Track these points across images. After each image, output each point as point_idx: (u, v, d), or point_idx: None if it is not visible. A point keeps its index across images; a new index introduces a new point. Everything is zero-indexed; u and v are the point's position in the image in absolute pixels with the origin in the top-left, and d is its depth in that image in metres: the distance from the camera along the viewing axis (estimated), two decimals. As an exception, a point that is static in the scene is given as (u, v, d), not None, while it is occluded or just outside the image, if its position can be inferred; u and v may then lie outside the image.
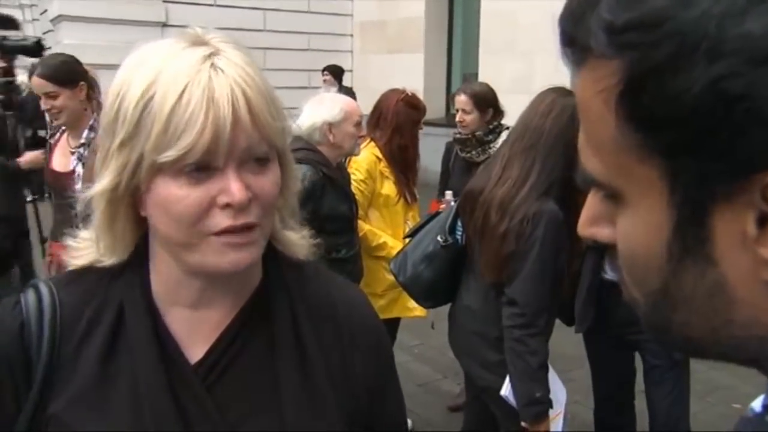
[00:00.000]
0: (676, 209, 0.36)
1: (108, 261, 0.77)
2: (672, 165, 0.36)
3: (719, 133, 0.33)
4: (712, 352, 0.41)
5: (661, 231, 0.37)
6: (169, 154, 0.66)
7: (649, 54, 0.34)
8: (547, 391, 1.91)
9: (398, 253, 2.42)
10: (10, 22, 3.92)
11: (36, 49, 3.67)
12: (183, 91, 0.66)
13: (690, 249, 0.37)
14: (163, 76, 0.67)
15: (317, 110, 2.58)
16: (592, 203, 0.44)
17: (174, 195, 0.69)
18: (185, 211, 0.69)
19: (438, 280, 2.22)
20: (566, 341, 2.50)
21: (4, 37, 3.70)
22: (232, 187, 0.68)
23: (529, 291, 1.89)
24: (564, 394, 2.15)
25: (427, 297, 2.34)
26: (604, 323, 2.35)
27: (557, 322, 2.24)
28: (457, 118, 3.34)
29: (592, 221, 0.44)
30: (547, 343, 1.96)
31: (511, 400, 1.97)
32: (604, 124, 0.38)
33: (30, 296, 0.78)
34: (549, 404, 1.92)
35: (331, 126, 2.55)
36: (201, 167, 0.68)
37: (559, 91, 1.94)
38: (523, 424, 1.94)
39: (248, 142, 0.68)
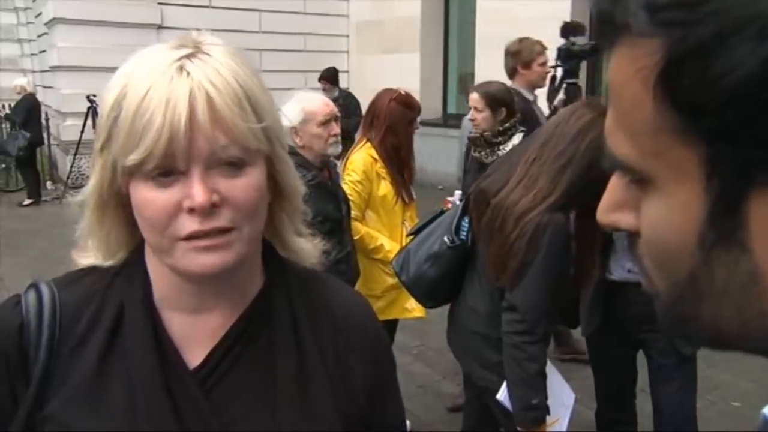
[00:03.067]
0: (712, 195, 0.34)
1: (104, 262, 0.78)
2: (711, 149, 0.34)
3: (766, 117, 0.31)
4: (740, 345, 0.39)
5: (693, 217, 0.36)
6: (133, 158, 0.67)
7: (693, 32, 0.32)
8: (545, 397, 1.90)
9: (400, 250, 2.40)
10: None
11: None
12: (145, 95, 0.66)
13: (723, 237, 0.35)
14: (132, 80, 0.68)
15: (283, 115, 2.52)
16: (614, 189, 0.42)
17: (144, 199, 0.69)
18: (154, 215, 0.69)
19: (442, 279, 2.20)
20: (566, 341, 2.49)
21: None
22: (194, 190, 0.67)
23: (530, 298, 1.88)
24: (572, 398, 2.14)
25: (430, 297, 2.32)
26: (610, 323, 2.34)
27: None
28: (470, 116, 3.33)
29: (614, 207, 0.42)
30: (545, 350, 1.95)
31: (507, 404, 1.96)
32: (640, 105, 0.36)
33: (30, 296, 0.77)
34: (546, 410, 1.90)
35: (296, 129, 2.48)
36: (166, 171, 0.68)
37: (598, 110, 1.89)
38: (519, 429, 1.94)
39: (211, 145, 0.67)
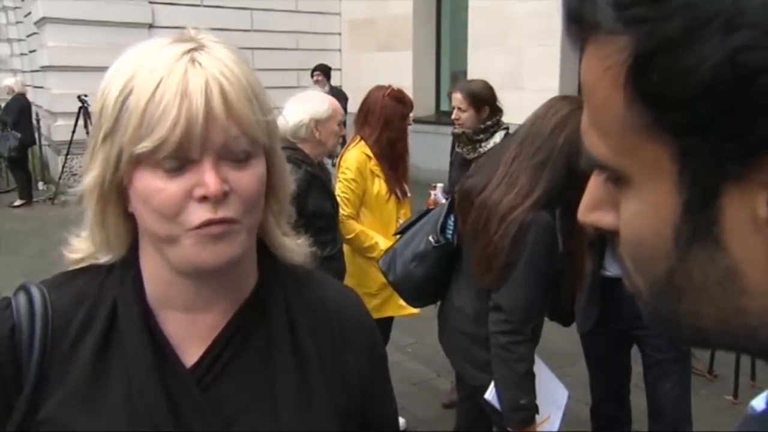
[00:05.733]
0: (685, 191, 0.34)
1: (104, 258, 0.77)
2: (682, 144, 0.34)
3: (735, 110, 0.31)
4: (721, 343, 0.39)
5: (668, 214, 0.36)
6: (144, 145, 0.67)
7: (660, 27, 0.32)
8: (533, 397, 1.89)
9: (387, 250, 2.39)
10: None
11: None
12: (158, 84, 0.66)
13: (699, 233, 0.35)
14: (141, 71, 0.68)
15: (304, 107, 2.55)
16: (594, 188, 0.42)
17: (152, 187, 0.69)
18: (163, 203, 0.69)
19: (429, 279, 2.20)
20: (560, 338, 2.50)
21: None
22: (207, 178, 0.68)
23: (516, 298, 1.87)
24: (564, 396, 2.14)
25: (417, 296, 2.32)
26: (605, 320, 2.35)
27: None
28: (453, 116, 3.36)
29: (593, 206, 0.42)
30: (533, 350, 1.94)
31: (495, 404, 1.96)
32: (611, 103, 0.36)
33: (21, 298, 0.77)
34: (535, 410, 1.90)
35: (317, 123, 2.54)
36: (177, 160, 0.68)
37: (575, 103, 1.89)
38: (509, 429, 1.94)
39: (224, 136, 0.68)
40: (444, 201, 3.00)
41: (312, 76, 8.13)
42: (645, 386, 2.44)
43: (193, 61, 0.68)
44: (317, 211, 2.46)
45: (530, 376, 1.89)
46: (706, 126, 0.32)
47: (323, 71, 8.03)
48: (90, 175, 0.73)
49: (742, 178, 0.33)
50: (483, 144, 3.26)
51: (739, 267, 0.35)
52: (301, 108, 2.54)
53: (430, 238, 2.16)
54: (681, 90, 0.32)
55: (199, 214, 0.69)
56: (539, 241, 1.83)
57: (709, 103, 0.32)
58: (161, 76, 0.67)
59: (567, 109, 1.86)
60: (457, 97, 3.33)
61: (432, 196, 3.63)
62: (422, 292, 2.27)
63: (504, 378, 1.90)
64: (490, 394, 1.98)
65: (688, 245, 0.36)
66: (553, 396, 2.08)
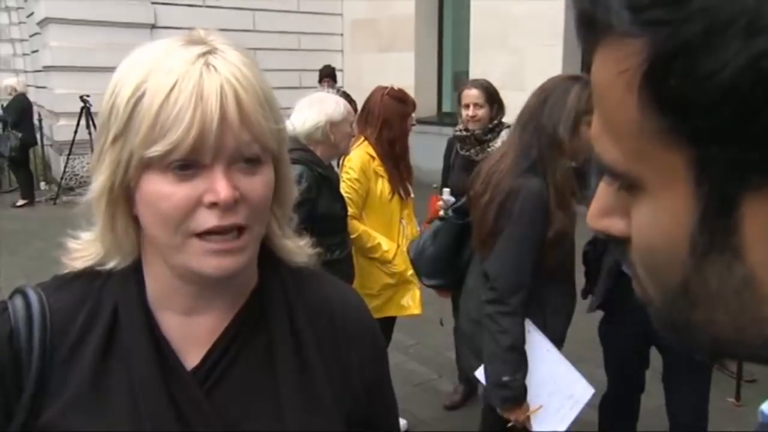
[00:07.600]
0: (703, 199, 0.33)
1: (112, 264, 0.76)
2: (700, 152, 0.33)
3: (758, 116, 0.30)
4: (736, 353, 0.38)
5: (684, 222, 0.35)
6: (156, 149, 0.66)
7: (679, 30, 0.31)
8: (520, 376, 1.85)
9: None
10: None
11: None
12: (173, 88, 0.66)
13: (716, 243, 0.34)
14: (155, 73, 0.67)
15: (320, 109, 2.55)
16: (603, 194, 0.41)
17: (161, 192, 0.68)
18: (171, 208, 0.68)
19: (441, 255, 2.22)
20: (570, 338, 2.49)
21: None
22: (218, 185, 0.67)
23: (500, 265, 1.85)
24: (587, 392, 2.05)
25: (431, 273, 2.34)
26: (625, 320, 2.33)
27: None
28: (470, 113, 3.30)
29: (603, 213, 0.41)
30: (521, 326, 1.88)
31: (483, 382, 1.94)
32: (625, 108, 0.35)
33: (18, 302, 0.76)
34: (520, 391, 1.85)
35: (332, 125, 2.55)
36: (188, 164, 0.67)
37: (566, 76, 1.95)
38: (498, 410, 1.90)
39: (237, 142, 0.67)
40: (453, 200, 3.02)
41: (320, 82, 8.09)
42: (664, 391, 2.40)
43: (208, 65, 0.67)
44: (327, 214, 2.47)
45: (515, 352, 1.84)
46: (726, 133, 0.31)
47: (332, 77, 8.02)
48: (98, 179, 0.72)
49: (763, 187, 0.32)
50: (491, 144, 3.25)
51: (758, 277, 0.34)
52: (316, 110, 2.54)
53: (442, 212, 2.20)
54: (700, 95, 0.31)
55: (206, 219, 0.68)
56: (525, 208, 1.82)
57: (729, 110, 0.30)
58: (176, 78, 0.66)
59: (556, 80, 1.91)
60: (474, 94, 3.30)
61: (441, 203, 3.61)
62: (436, 268, 2.31)
63: (489, 351, 1.87)
64: (480, 371, 1.96)
65: (704, 254, 0.35)
66: (569, 388, 2.01)
